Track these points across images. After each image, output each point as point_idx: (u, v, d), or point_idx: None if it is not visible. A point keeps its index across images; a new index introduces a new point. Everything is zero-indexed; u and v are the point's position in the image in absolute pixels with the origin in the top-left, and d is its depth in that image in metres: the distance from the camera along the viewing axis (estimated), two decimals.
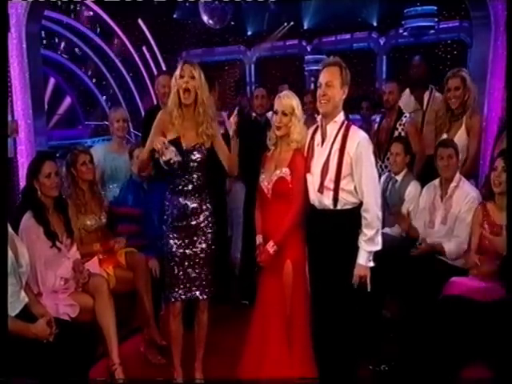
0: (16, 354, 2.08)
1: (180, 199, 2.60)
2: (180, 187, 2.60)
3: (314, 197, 2.56)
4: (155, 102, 8.96)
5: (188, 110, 2.56)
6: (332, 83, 2.46)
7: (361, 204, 2.51)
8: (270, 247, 2.55)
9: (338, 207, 2.51)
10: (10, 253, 2.20)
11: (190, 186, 2.59)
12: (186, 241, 2.62)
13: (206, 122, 2.56)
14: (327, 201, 2.51)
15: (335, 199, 2.49)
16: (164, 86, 3.65)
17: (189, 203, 2.60)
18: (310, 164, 2.57)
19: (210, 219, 2.66)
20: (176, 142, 2.53)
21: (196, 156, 2.56)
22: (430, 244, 3.06)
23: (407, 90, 4.15)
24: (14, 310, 2.20)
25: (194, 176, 2.59)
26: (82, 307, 2.67)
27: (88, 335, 2.47)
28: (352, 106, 4.96)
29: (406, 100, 4.10)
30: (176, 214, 2.61)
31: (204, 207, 2.64)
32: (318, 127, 2.62)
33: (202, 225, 2.64)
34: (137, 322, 3.21)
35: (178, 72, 2.52)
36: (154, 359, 3.12)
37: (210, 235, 2.66)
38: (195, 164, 2.57)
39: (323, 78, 2.49)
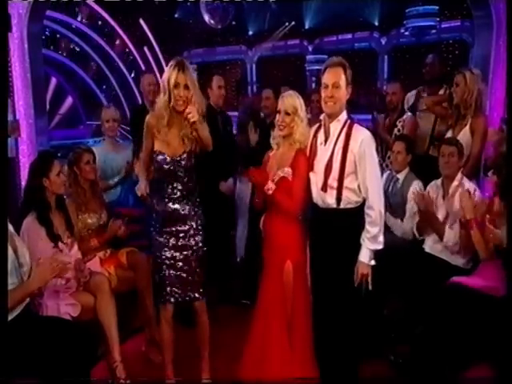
0: (17, 354, 2.08)
1: (168, 205, 2.57)
2: (168, 194, 2.56)
3: (317, 195, 2.56)
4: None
5: (177, 116, 2.50)
6: (338, 84, 2.45)
7: (363, 203, 2.51)
8: (270, 185, 2.54)
9: (341, 206, 2.51)
10: (11, 253, 2.20)
11: (178, 193, 2.57)
12: (177, 245, 2.59)
13: (190, 127, 2.48)
14: (330, 199, 2.51)
15: (338, 198, 2.49)
16: (149, 85, 3.87)
17: (177, 209, 2.57)
18: (313, 163, 2.57)
19: (198, 223, 2.63)
20: (163, 153, 2.51)
21: (183, 163, 2.53)
22: (436, 217, 3.04)
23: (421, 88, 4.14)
24: (15, 310, 2.20)
25: (182, 182, 2.56)
26: (83, 306, 2.68)
27: (90, 334, 2.47)
28: (364, 106, 4.97)
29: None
30: (164, 219, 2.58)
31: (193, 212, 2.61)
32: (320, 126, 2.62)
33: (191, 230, 2.61)
34: (138, 322, 3.21)
35: (172, 80, 2.42)
36: (155, 358, 3.11)
37: (199, 238, 2.63)
38: (183, 171, 2.54)
39: (329, 79, 2.47)
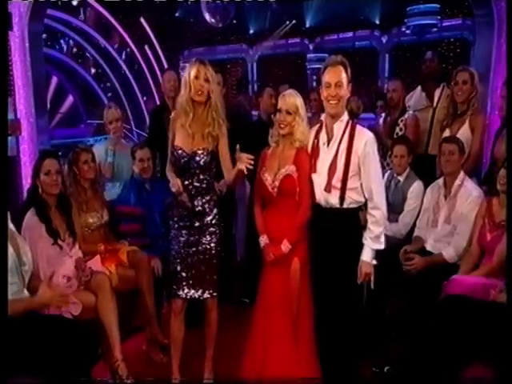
0: (18, 353, 2.08)
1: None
2: (185, 188, 2.57)
3: (320, 196, 2.56)
4: (157, 101, 8.99)
5: (198, 111, 2.54)
6: (341, 83, 2.46)
7: (365, 203, 2.52)
8: (285, 246, 2.53)
9: (344, 206, 2.52)
10: (12, 252, 2.20)
11: (195, 189, 2.59)
12: (190, 241, 2.61)
13: (214, 125, 2.54)
14: (334, 200, 2.52)
15: (342, 198, 2.50)
16: (169, 81, 3.82)
17: (193, 205, 2.58)
18: (316, 164, 2.57)
19: (215, 221, 2.64)
20: (181, 148, 2.55)
21: (200, 159, 2.55)
22: (427, 258, 2.99)
23: (419, 87, 4.13)
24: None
25: (198, 178, 2.58)
26: (84, 305, 2.67)
27: (90, 333, 2.47)
28: (366, 105, 4.98)
29: (418, 97, 4.09)
30: (180, 214, 2.61)
31: (208, 209, 2.62)
32: (321, 126, 2.62)
33: (207, 226, 2.62)
34: (139, 321, 3.21)
35: (192, 72, 2.49)
36: (156, 357, 3.12)
37: (214, 236, 2.64)
38: (199, 167, 2.56)
39: (332, 78, 2.47)
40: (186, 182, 2.58)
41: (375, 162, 2.51)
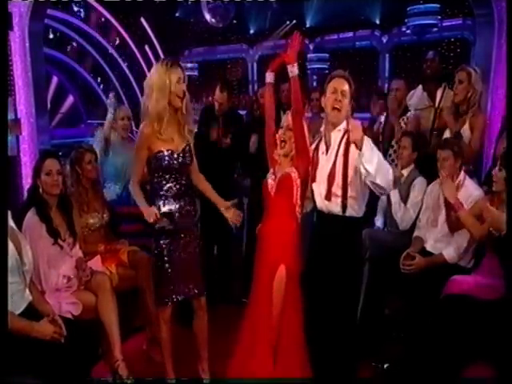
0: (18, 353, 2.08)
1: (170, 202, 2.54)
2: (171, 191, 2.54)
3: (321, 204, 2.59)
4: None
5: (173, 115, 2.49)
6: (345, 92, 2.53)
7: (366, 212, 2.57)
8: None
9: (347, 214, 2.54)
10: (14, 251, 2.19)
11: (183, 188, 2.56)
12: (175, 242, 2.58)
13: (188, 121, 2.53)
14: (336, 208, 2.54)
15: (344, 205, 2.52)
16: None
17: (178, 205, 2.55)
18: (315, 173, 2.60)
19: (196, 219, 2.65)
20: (169, 150, 2.49)
21: (187, 158, 2.54)
22: (428, 259, 2.97)
23: (420, 87, 4.14)
24: (17, 308, 2.20)
25: (186, 177, 2.57)
26: (84, 305, 2.68)
27: (91, 333, 2.48)
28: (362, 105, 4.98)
29: (419, 96, 4.09)
30: (168, 218, 2.53)
31: (192, 207, 2.61)
32: (320, 139, 2.67)
33: (191, 226, 2.62)
34: (139, 321, 3.22)
35: (173, 76, 2.40)
36: (156, 357, 3.11)
37: (197, 234, 2.66)
38: (186, 166, 2.55)
39: (338, 85, 2.53)
40: (175, 183, 2.53)
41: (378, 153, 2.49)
